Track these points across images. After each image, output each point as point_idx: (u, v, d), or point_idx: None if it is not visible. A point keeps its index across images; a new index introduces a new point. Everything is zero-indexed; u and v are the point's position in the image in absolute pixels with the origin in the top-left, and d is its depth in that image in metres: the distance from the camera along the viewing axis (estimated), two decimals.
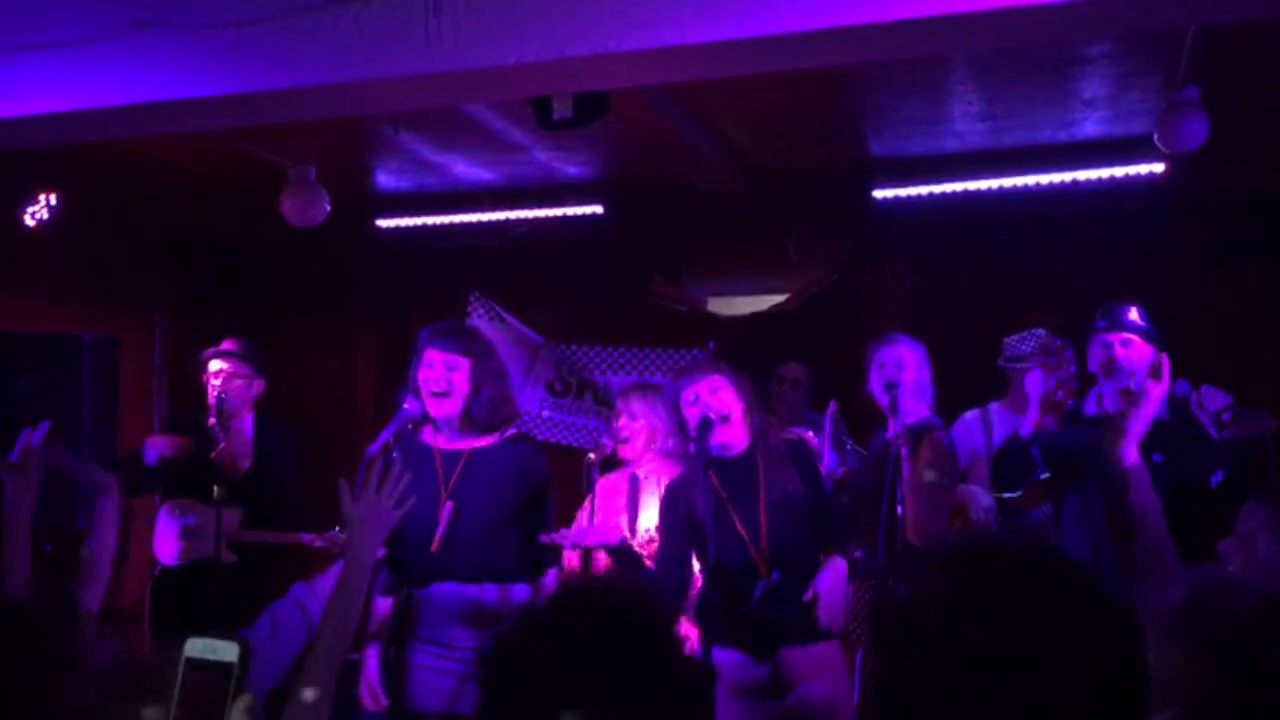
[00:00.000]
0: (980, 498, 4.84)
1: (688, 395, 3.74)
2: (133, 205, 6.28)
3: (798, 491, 3.68)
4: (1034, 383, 4.05)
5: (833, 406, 4.74)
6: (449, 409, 3.66)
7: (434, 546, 3.60)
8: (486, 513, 3.64)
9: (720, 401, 3.71)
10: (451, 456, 3.69)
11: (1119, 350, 4.08)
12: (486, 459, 3.70)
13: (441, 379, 3.64)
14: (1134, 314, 4.21)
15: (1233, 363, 5.63)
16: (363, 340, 7.42)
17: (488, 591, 3.66)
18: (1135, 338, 4.12)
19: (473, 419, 3.68)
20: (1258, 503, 2.96)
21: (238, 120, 3.77)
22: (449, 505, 3.63)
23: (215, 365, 5.00)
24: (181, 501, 4.95)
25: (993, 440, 5.16)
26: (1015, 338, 5.15)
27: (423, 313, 7.25)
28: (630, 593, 1.61)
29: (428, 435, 3.79)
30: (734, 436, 3.72)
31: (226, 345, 5.09)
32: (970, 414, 5.25)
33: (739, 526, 3.62)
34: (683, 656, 1.58)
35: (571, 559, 4.35)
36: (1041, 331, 4.97)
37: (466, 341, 3.76)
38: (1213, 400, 4.02)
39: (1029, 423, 4.07)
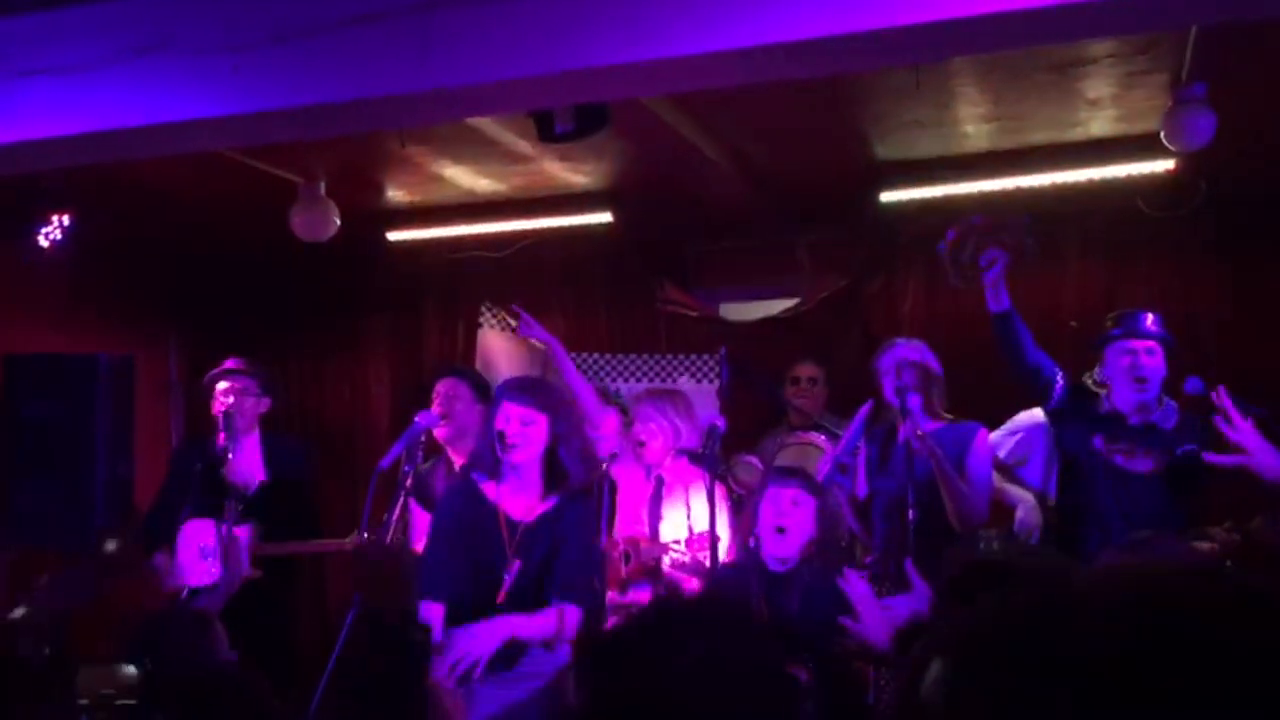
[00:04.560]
0: (1026, 514, 4.71)
1: (771, 493, 3.86)
2: (145, 224, 6.32)
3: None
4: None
5: (868, 405, 4.62)
6: (521, 458, 3.61)
7: (500, 599, 3.56)
8: (547, 569, 3.62)
9: (794, 516, 3.81)
10: (514, 520, 3.64)
11: (1144, 359, 4.06)
12: (550, 522, 3.66)
13: (517, 433, 3.59)
14: (1150, 321, 4.19)
15: (1246, 360, 5.61)
16: (376, 352, 7.45)
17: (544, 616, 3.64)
18: (1157, 346, 4.11)
19: (553, 479, 3.64)
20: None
21: (240, 140, 3.80)
22: (516, 564, 3.60)
23: (222, 385, 5.03)
24: (199, 523, 4.97)
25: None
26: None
27: (435, 323, 7.31)
28: (732, 604, 1.65)
29: (490, 491, 3.70)
30: (788, 550, 3.81)
31: (230, 364, 5.12)
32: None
33: None
34: (778, 669, 1.63)
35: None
36: None
37: (542, 395, 3.72)
38: (1194, 387, 4.02)
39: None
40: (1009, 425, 4.90)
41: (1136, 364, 4.07)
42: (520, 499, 3.66)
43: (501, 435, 3.57)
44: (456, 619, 3.58)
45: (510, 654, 3.53)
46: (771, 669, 1.59)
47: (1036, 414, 4.80)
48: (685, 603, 1.71)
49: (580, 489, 3.72)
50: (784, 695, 1.60)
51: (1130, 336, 4.14)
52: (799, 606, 3.66)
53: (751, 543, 3.85)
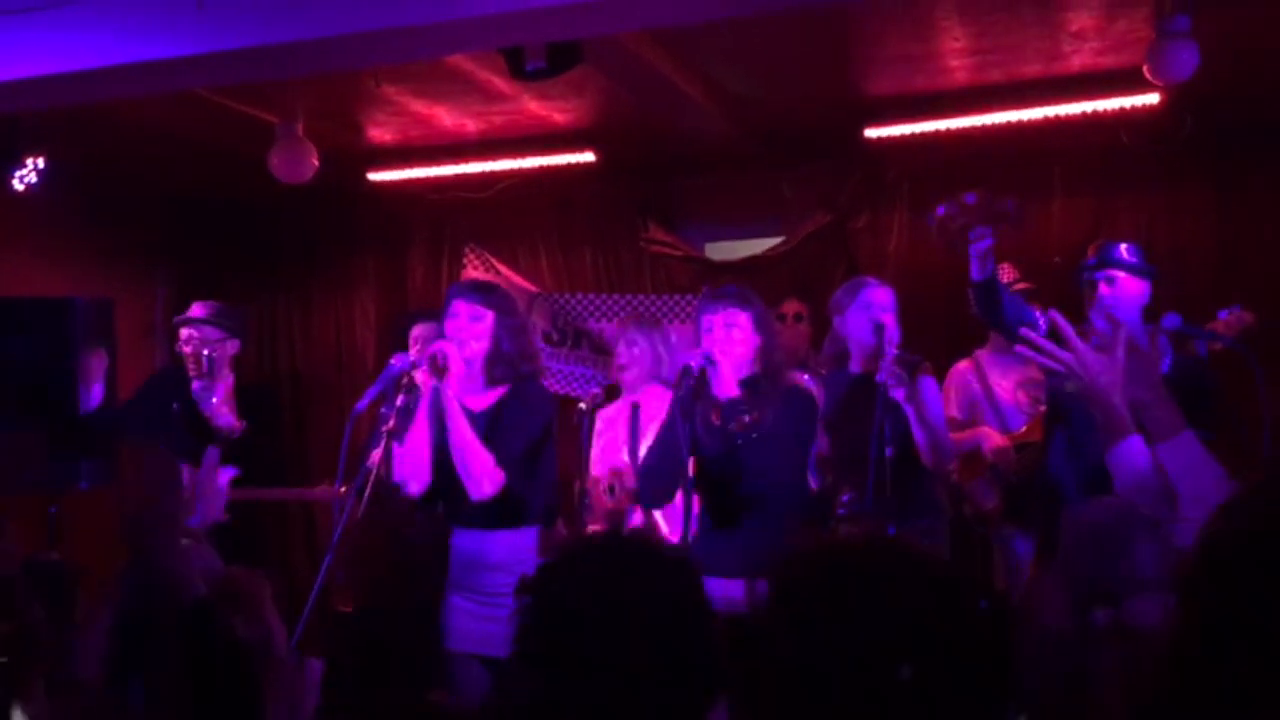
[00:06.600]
0: (992, 438, 4.83)
1: (705, 322, 3.80)
2: (128, 168, 6.27)
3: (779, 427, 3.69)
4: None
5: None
6: (469, 353, 3.76)
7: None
8: (510, 456, 3.72)
9: (731, 338, 3.75)
10: (475, 414, 3.78)
11: (1104, 288, 4.03)
12: (495, 409, 3.80)
13: (464, 328, 3.77)
14: (1123, 250, 4.15)
15: (1234, 292, 5.59)
16: (360, 293, 7.44)
17: (512, 538, 3.75)
18: (1121, 274, 4.07)
19: (496, 371, 3.80)
20: None
21: (207, 80, 3.76)
22: None
23: (185, 332, 5.01)
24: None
25: (990, 385, 5.10)
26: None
27: (420, 264, 7.29)
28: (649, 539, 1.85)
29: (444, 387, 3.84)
30: (739, 359, 3.75)
31: (194, 312, 5.08)
32: (961, 364, 5.19)
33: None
34: (696, 598, 1.71)
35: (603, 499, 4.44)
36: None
37: (490, 294, 3.89)
38: (1171, 323, 3.98)
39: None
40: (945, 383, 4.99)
41: (1097, 296, 4.03)
42: (470, 392, 3.81)
43: (451, 331, 3.76)
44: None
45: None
46: (687, 603, 1.69)
47: (958, 369, 5.09)
48: (618, 538, 1.85)
49: (525, 377, 3.85)
50: (698, 618, 1.68)
51: (1097, 267, 4.09)
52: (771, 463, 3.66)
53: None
